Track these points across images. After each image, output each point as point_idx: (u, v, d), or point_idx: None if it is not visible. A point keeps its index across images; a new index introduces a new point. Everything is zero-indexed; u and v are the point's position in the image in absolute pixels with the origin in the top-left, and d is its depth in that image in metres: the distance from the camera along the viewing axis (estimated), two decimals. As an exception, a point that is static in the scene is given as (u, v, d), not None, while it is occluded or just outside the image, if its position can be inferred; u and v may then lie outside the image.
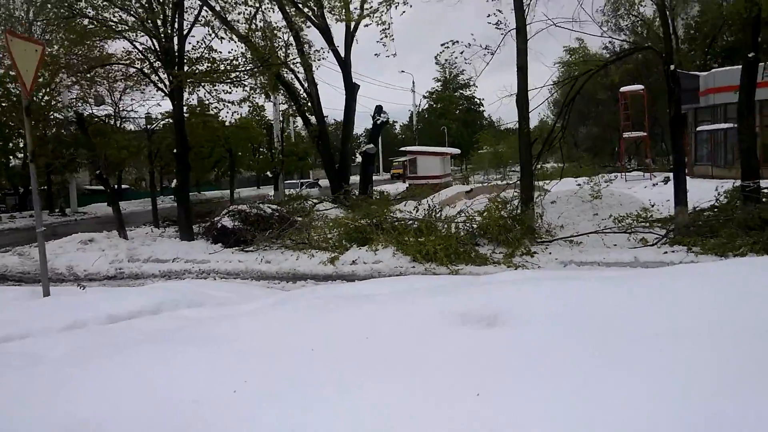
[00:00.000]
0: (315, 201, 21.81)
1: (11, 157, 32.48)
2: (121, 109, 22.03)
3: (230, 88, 17.21)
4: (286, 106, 29.88)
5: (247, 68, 17.09)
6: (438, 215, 13.92)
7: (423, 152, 37.64)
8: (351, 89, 25.63)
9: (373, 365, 3.36)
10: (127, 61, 16.71)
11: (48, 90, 32.47)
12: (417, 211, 14.03)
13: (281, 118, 32.93)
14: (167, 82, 15.94)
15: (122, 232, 20.06)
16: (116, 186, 20.36)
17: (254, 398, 3.07)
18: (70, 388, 3.46)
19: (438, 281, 7.22)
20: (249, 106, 25.68)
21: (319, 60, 22.05)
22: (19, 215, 33.99)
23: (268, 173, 35.28)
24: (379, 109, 28.36)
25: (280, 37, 18.93)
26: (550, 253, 12.03)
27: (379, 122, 28.83)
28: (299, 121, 36.14)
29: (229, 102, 17.30)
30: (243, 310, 5.58)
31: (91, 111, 20.39)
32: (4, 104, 25.11)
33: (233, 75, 16.86)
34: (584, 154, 47.92)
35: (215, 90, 17.09)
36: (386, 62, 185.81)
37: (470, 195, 21.12)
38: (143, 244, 17.01)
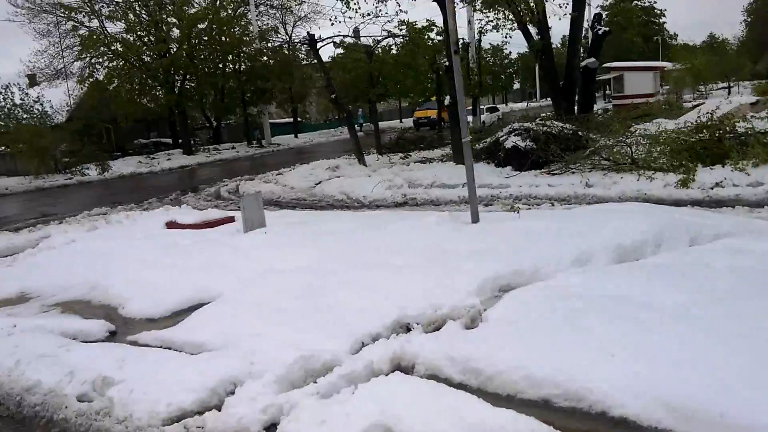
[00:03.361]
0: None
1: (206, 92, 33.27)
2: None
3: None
4: (483, 21, 27.43)
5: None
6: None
7: (631, 67, 33.54)
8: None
9: None
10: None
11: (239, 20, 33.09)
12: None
13: (476, 36, 30.56)
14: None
15: (362, 159, 19.44)
16: (345, 114, 19.43)
17: None
18: None
19: None
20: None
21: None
22: (215, 147, 35.13)
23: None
24: (598, 17, 25.05)
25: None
26: None
27: (600, 32, 25.59)
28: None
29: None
30: None
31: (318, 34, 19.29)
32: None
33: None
34: None
35: None
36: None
37: (755, 108, 17.88)
38: (404, 170, 16.09)
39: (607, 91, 51.47)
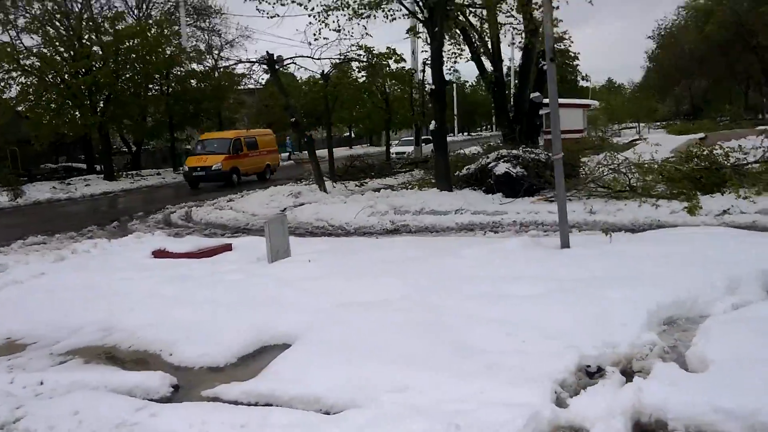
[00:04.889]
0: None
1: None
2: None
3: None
4: (427, 54, 27.59)
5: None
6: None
7: (562, 104, 34.40)
8: (533, 31, 23.23)
9: None
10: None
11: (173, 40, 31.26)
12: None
13: (421, 67, 30.67)
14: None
15: (322, 185, 18.48)
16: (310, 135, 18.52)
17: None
18: None
19: None
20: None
21: None
22: (137, 173, 32.50)
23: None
24: (542, 54, 26.02)
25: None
26: None
27: (545, 68, 26.53)
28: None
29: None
30: None
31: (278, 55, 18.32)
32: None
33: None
34: None
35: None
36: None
37: (704, 143, 18.78)
38: (377, 196, 15.34)
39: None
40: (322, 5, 14.57)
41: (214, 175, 23.70)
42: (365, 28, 16.87)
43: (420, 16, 15.45)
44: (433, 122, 14.38)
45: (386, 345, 4.33)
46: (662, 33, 57.52)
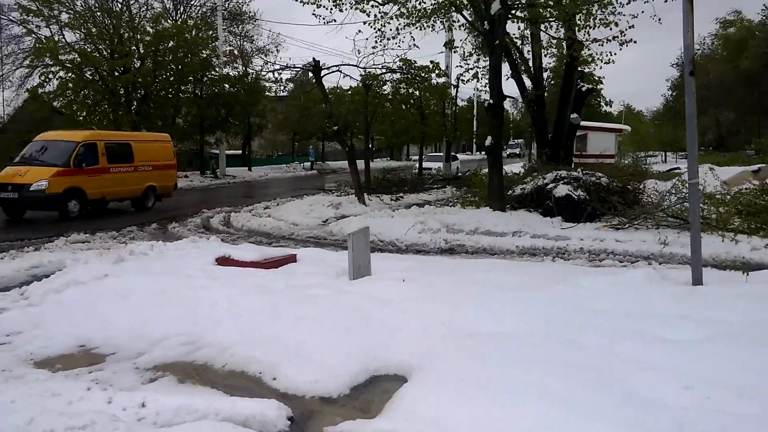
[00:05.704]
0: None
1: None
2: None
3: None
4: (461, 70, 27.29)
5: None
6: None
7: (595, 128, 34.40)
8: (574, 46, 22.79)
9: None
10: None
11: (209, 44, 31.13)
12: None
13: (455, 83, 30.36)
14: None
15: (362, 197, 18.05)
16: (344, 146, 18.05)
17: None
18: None
19: None
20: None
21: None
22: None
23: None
24: (581, 75, 25.60)
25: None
26: None
27: (584, 89, 26.09)
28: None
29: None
30: None
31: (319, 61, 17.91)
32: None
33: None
34: None
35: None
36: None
37: (758, 176, 18.18)
38: (427, 212, 14.86)
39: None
40: (381, 12, 14.25)
41: (33, 200, 14.93)
42: (413, 39, 16.55)
43: (480, 28, 15.05)
44: (489, 138, 13.91)
45: (534, 386, 3.81)
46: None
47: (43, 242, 11.86)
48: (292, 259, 8.41)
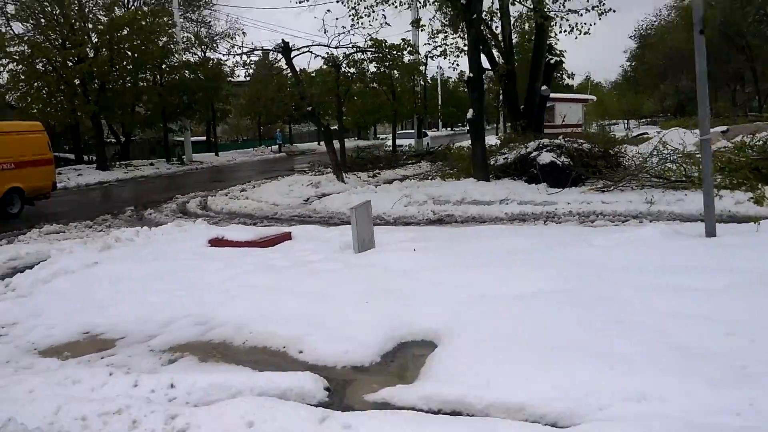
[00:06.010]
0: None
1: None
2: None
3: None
4: (429, 48, 27.06)
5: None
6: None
7: (562, 99, 34.59)
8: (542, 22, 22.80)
9: None
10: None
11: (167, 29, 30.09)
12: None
13: (423, 60, 30.10)
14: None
15: (340, 176, 17.80)
16: (325, 127, 17.74)
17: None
18: None
19: None
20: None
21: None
22: (128, 164, 31.06)
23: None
24: (549, 48, 25.74)
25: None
26: None
27: (553, 61, 26.24)
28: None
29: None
30: None
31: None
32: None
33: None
34: None
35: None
36: None
37: (727, 136, 18.54)
38: (410, 186, 14.71)
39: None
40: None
41: None
42: (385, 17, 16.29)
43: (458, 3, 14.87)
44: (470, 111, 13.79)
45: (580, 343, 3.73)
46: (644, 33, 57.79)
47: (15, 235, 11.35)
48: (287, 236, 8.19)
